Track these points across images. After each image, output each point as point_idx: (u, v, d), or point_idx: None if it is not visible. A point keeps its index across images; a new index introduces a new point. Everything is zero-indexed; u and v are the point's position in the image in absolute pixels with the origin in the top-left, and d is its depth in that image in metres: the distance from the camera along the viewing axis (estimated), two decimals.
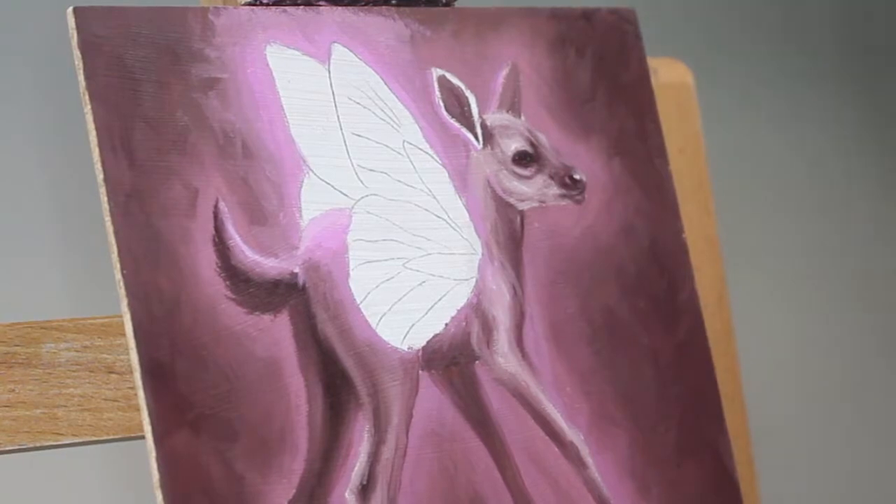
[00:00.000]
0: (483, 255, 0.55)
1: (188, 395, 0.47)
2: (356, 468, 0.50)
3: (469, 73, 0.56)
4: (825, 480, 1.23)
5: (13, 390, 0.49)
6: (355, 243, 0.52)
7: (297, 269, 0.51)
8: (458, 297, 0.54)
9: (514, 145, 0.57)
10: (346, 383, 0.51)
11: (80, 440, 0.50)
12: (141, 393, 0.47)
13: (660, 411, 0.58)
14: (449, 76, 0.56)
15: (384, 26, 0.55)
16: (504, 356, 0.54)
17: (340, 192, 0.52)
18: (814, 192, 1.25)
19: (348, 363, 0.51)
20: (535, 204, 0.56)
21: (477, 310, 0.54)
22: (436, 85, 0.56)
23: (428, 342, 0.53)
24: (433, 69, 0.56)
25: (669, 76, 0.73)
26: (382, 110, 0.54)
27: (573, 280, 0.57)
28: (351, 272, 0.52)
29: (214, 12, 0.51)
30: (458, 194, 0.55)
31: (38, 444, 0.50)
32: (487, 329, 0.54)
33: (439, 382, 0.53)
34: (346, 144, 0.53)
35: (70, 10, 0.48)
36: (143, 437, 0.47)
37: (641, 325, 0.58)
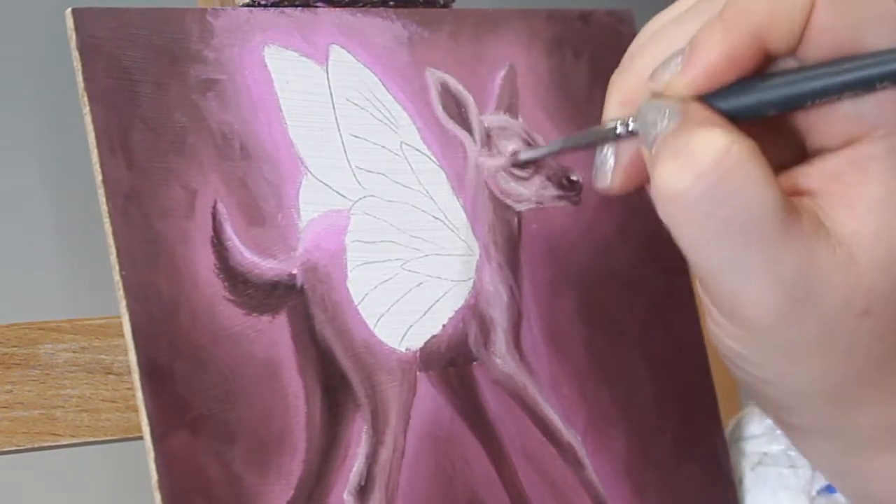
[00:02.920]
0: (481, 256, 0.55)
1: (187, 396, 0.47)
2: (354, 469, 0.50)
3: (467, 75, 0.56)
4: None
5: (11, 391, 0.49)
6: (353, 244, 0.52)
7: (295, 271, 0.51)
8: (456, 299, 0.54)
9: (512, 147, 0.57)
10: (345, 384, 0.51)
11: (79, 441, 0.50)
12: (139, 394, 0.47)
13: (657, 412, 0.58)
14: (447, 77, 0.56)
15: (382, 27, 0.55)
16: (502, 357, 0.54)
17: (338, 193, 0.52)
18: None
19: (346, 364, 0.51)
20: (533, 205, 0.57)
21: (475, 311, 0.54)
22: (433, 86, 0.56)
23: (426, 343, 0.53)
24: (431, 70, 0.56)
25: None
26: (380, 111, 0.54)
27: (571, 281, 0.57)
28: (349, 273, 0.52)
29: (212, 13, 0.51)
30: (455, 195, 0.55)
31: (36, 445, 0.50)
32: (485, 330, 0.54)
33: (437, 384, 0.53)
34: (343, 145, 0.53)
35: (69, 11, 0.48)
36: (141, 438, 0.47)
37: (639, 325, 0.58)
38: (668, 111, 0.45)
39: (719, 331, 0.47)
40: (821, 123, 0.46)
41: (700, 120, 0.44)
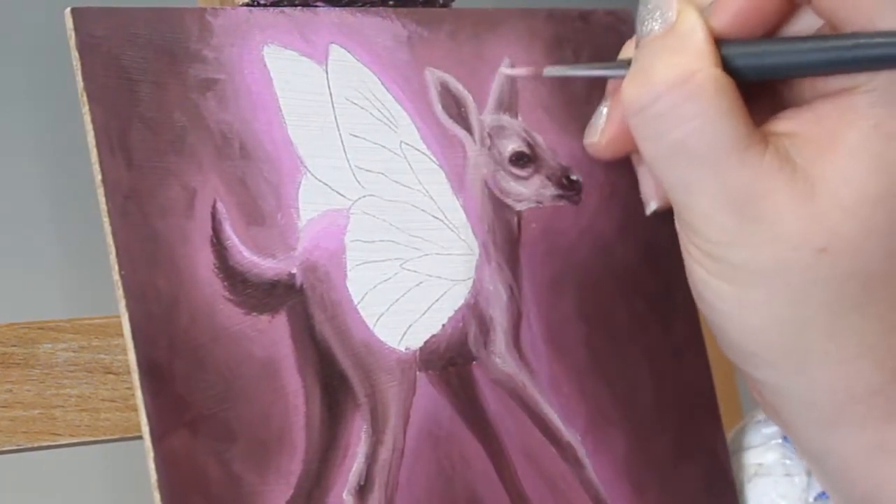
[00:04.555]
0: (480, 255, 0.55)
1: (186, 395, 0.47)
2: (354, 469, 0.50)
3: (466, 74, 0.56)
4: None
5: (10, 391, 0.49)
6: (353, 244, 0.52)
7: (294, 270, 0.51)
8: (456, 298, 0.54)
9: (511, 146, 0.57)
10: (344, 384, 0.51)
11: (78, 440, 0.50)
12: (139, 393, 0.47)
13: (657, 412, 0.58)
14: (446, 77, 0.56)
15: (381, 27, 0.55)
16: (501, 357, 0.54)
17: (338, 192, 0.52)
18: None
19: (346, 364, 0.51)
20: (533, 204, 0.56)
21: (474, 310, 0.54)
22: (433, 85, 0.56)
23: (425, 343, 0.53)
24: (430, 70, 0.56)
25: None
26: (380, 111, 0.54)
27: (570, 280, 0.57)
28: (349, 273, 0.52)
29: (212, 13, 0.51)
30: (455, 195, 0.55)
31: (35, 445, 0.50)
32: (485, 330, 0.54)
33: (437, 383, 0.53)
34: (343, 145, 0.53)
35: (68, 10, 0.48)
36: (140, 438, 0.47)
37: (638, 325, 0.58)
38: (660, 15, 0.46)
39: (688, 256, 0.48)
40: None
41: (683, 34, 0.46)
